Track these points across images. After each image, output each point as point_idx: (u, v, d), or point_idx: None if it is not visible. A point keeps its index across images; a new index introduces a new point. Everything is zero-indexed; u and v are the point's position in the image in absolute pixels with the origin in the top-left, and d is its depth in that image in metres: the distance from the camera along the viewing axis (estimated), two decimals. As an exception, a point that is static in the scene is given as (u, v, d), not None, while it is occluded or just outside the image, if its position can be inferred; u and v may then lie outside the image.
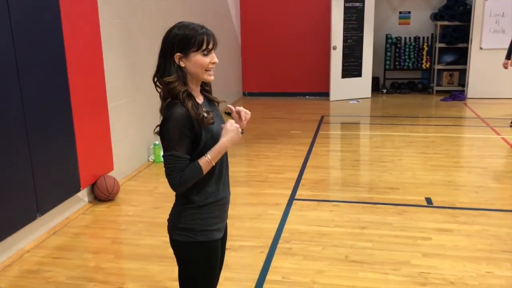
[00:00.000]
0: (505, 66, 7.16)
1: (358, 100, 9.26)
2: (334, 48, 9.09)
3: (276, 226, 3.93)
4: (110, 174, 4.72)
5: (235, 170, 5.50)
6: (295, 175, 5.20)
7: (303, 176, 5.17)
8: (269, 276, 3.14)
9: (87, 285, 3.12)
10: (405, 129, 7.09)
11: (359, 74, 9.38)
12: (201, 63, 1.94)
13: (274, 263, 3.33)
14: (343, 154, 6.19)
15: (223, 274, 3.14)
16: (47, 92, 3.80)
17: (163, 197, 4.63)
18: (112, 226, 4.12)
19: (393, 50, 9.76)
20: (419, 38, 9.64)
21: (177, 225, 2.01)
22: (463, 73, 9.35)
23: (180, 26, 1.93)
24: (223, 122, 2.04)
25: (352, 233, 3.78)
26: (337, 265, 3.29)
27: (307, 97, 9.85)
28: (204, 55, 1.94)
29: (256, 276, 3.14)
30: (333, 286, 3.04)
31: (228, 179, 2.12)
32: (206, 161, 1.91)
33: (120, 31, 5.01)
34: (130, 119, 5.28)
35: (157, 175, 5.41)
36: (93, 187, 4.51)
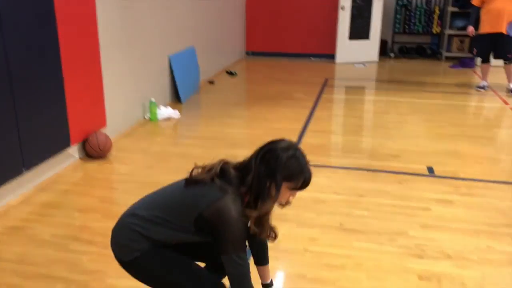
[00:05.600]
0: (471, 33, 7.05)
1: (365, 64, 8.99)
2: (343, 8, 8.75)
3: (271, 190, 3.80)
4: (103, 130, 4.57)
5: (233, 131, 5.36)
6: (295, 139, 5.04)
7: (303, 141, 5.01)
8: (259, 242, 3.03)
9: (72, 244, 3.02)
10: (411, 95, 6.87)
11: (366, 36, 9.07)
12: (284, 198, 1.82)
13: (266, 228, 3.21)
14: (345, 119, 6.01)
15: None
16: (33, 40, 3.59)
17: (157, 157, 4.50)
18: (102, 185, 4.00)
19: (403, 12, 9.41)
20: (431, 1, 9.27)
21: None
22: (474, 40, 9.03)
23: (297, 155, 1.77)
24: None
25: (349, 200, 3.65)
26: (331, 233, 3.17)
27: (312, 58, 9.57)
28: (291, 191, 1.81)
29: (247, 242, 3.03)
30: (326, 254, 2.92)
31: None
32: None
33: (115, -20, 4.74)
34: (124, 75, 5.08)
35: (152, 134, 5.26)
36: (84, 144, 4.37)
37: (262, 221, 1.84)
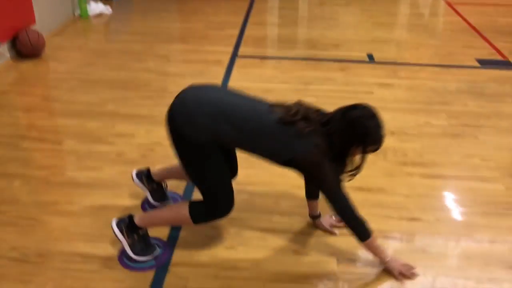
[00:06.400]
0: None
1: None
2: None
3: (220, 82, 3.80)
4: (33, 28, 4.25)
5: (171, 26, 5.18)
6: (237, 32, 4.97)
7: (245, 33, 4.95)
8: (215, 130, 3.09)
9: (22, 142, 2.93)
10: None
11: None
12: (353, 161, 1.85)
13: (219, 118, 3.26)
14: (286, 12, 5.95)
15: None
16: None
17: (95, 54, 4.29)
18: (42, 83, 3.80)
19: None
20: None
21: None
22: None
23: (381, 124, 1.80)
24: None
25: (297, 89, 3.74)
26: (283, 119, 3.28)
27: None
28: (363, 154, 1.83)
29: (202, 131, 3.08)
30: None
31: None
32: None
33: None
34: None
35: (85, 31, 4.97)
36: (15, 42, 4.06)
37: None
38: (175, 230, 2.19)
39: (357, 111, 1.81)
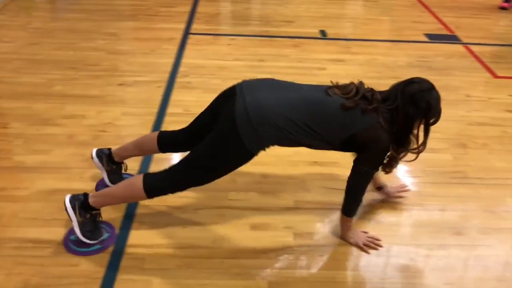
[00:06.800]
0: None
1: None
2: None
3: (172, 60, 3.73)
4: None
5: (117, 3, 5.01)
6: (188, 9, 4.87)
7: (197, 10, 4.86)
8: (169, 109, 3.04)
9: (-36, 127, 2.78)
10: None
11: None
12: (416, 138, 1.87)
13: (173, 96, 3.21)
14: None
15: (121, 109, 3.01)
16: None
17: (40, 33, 4.10)
18: (-18, 65, 3.61)
19: None
20: None
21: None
22: None
23: (439, 97, 1.85)
24: None
25: (251, 65, 3.72)
26: (238, 96, 3.27)
27: None
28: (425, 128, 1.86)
29: (156, 110, 3.02)
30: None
31: None
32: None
33: None
34: None
35: (28, 9, 4.74)
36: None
37: (397, 158, 1.93)
38: (130, 209, 2.16)
39: (416, 85, 1.83)
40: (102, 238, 1.97)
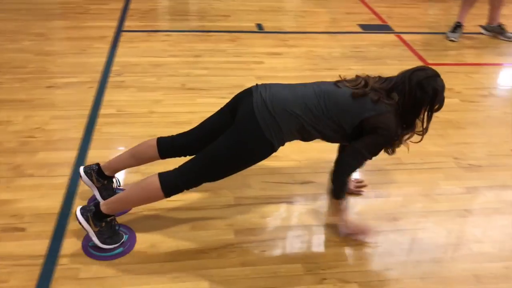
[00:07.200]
0: None
1: None
2: None
3: (104, 60, 3.60)
4: None
5: (44, 1, 4.77)
6: (120, 5, 4.72)
7: (130, 6, 4.72)
8: (102, 111, 2.92)
9: None
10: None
11: None
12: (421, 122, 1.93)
13: (106, 97, 3.09)
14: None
15: (50, 113, 2.87)
16: None
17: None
18: None
19: None
20: None
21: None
22: None
23: (443, 83, 1.89)
24: None
25: (187, 61, 3.65)
26: (174, 94, 3.20)
27: None
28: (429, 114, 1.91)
29: (88, 112, 2.89)
30: (171, 113, 2.96)
31: None
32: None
33: None
34: None
35: None
36: None
37: (401, 140, 1.97)
38: (61, 220, 2.05)
39: (422, 73, 1.89)
40: (122, 240, 1.94)
